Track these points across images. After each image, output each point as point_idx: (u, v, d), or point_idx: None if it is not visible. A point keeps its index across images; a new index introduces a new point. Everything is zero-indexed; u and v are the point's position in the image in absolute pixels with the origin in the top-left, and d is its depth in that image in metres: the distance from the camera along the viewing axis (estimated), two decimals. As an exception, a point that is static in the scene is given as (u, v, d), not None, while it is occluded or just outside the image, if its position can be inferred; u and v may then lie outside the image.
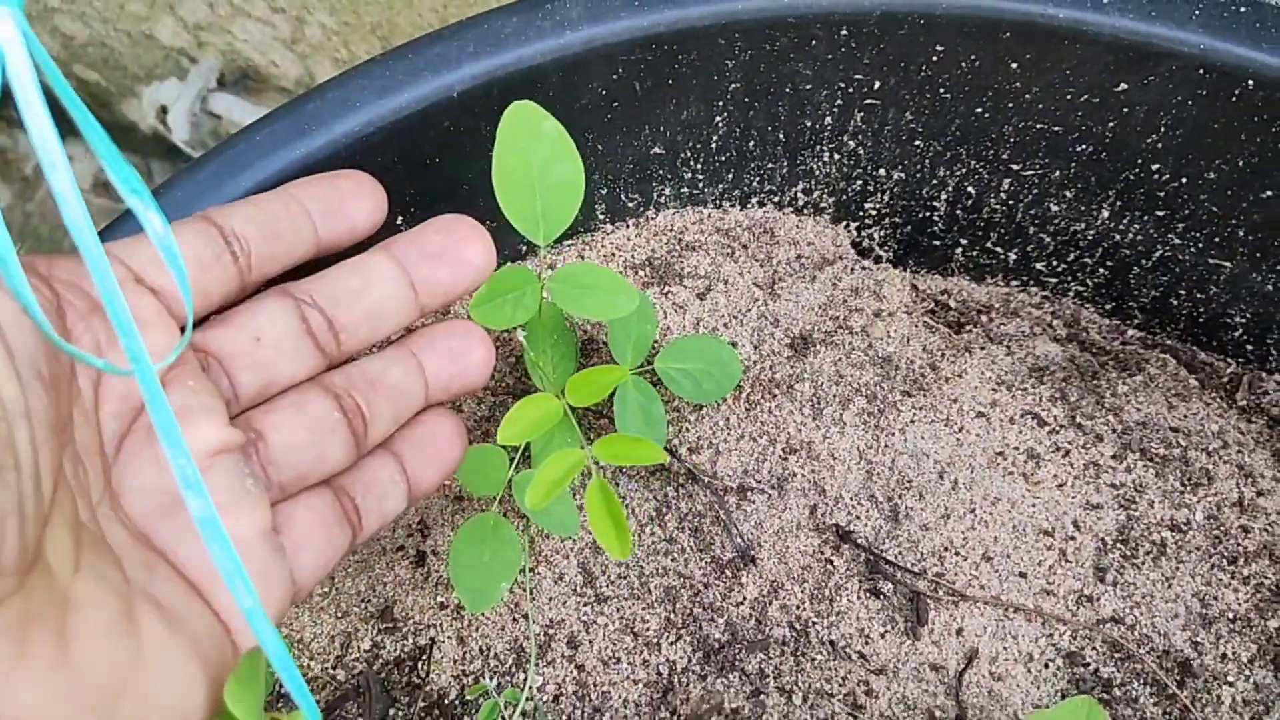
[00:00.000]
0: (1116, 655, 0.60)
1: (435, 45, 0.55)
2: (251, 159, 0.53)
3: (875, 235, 0.71)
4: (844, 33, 0.57)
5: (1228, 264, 0.63)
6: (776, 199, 0.69)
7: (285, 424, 0.44)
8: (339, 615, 0.62)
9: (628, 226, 0.69)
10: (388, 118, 0.55)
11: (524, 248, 0.66)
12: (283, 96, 1.01)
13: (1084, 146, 0.61)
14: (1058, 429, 0.65)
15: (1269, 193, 0.58)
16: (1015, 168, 0.64)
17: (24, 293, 0.30)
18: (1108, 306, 0.71)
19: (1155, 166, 0.60)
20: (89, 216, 0.32)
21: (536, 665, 0.60)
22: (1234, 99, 0.54)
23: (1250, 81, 0.53)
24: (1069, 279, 0.70)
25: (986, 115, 0.61)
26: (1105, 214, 0.64)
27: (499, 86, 0.55)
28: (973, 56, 0.57)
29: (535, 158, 0.53)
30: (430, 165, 0.58)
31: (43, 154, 0.31)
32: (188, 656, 0.35)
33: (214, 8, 0.91)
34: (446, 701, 0.60)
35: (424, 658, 0.61)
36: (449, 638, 0.61)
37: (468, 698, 0.60)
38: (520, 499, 0.56)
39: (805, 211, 0.70)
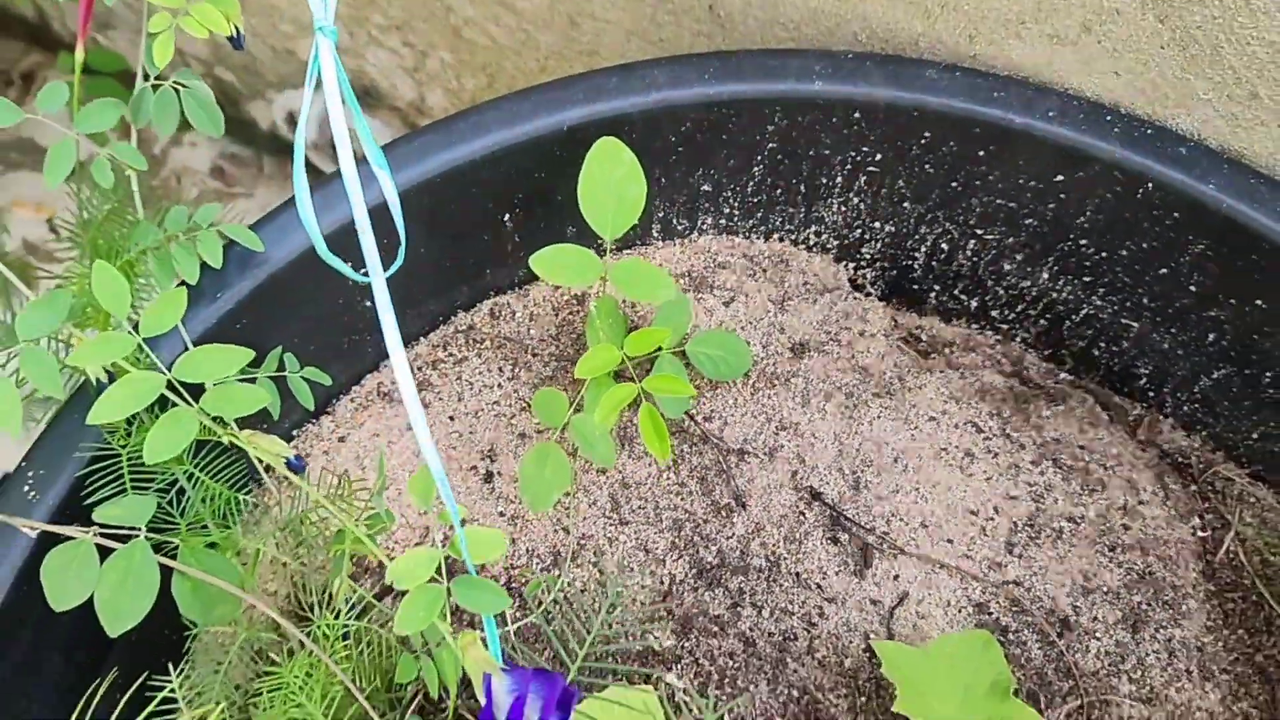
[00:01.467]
0: (1014, 609, 0.78)
1: (554, 91, 0.75)
2: (411, 159, 0.73)
3: (868, 275, 0.90)
4: (857, 115, 0.76)
5: (1135, 324, 0.82)
6: (793, 237, 0.88)
7: None
8: (421, 513, 0.80)
9: (675, 245, 0.88)
10: (513, 140, 0.75)
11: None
12: (395, 114, 1.21)
13: (1031, 220, 0.80)
14: (991, 436, 0.83)
15: (1164, 270, 0.77)
16: (979, 232, 0.83)
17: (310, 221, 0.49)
18: (1046, 352, 0.90)
19: (1083, 241, 0.79)
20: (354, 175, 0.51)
21: (568, 566, 0.78)
22: (1138, 195, 0.73)
23: (1150, 184, 0.72)
24: (1016, 326, 0.89)
25: (960, 188, 0.80)
26: (1045, 275, 0.83)
27: (596, 126, 0.75)
28: (952, 143, 0.77)
29: (612, 177, 0.73)
30: (537, 179, 0.78)
31: (339, 136, 0.50)
32: None
33: (353, 36, 1.12)
34: (503, 584, 0.78)
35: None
36: (505, 538, 0.79)
37: (522, 584, 0.78)
38: (576, 435, 0.75)
39: (814, 250, 0.89)
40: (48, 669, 0.69)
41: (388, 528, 0.69)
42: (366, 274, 0.54)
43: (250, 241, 0.69)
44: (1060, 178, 0.76)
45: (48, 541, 0.61)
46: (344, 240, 0.69)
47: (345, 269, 0.54)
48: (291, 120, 1.24)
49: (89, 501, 0.60)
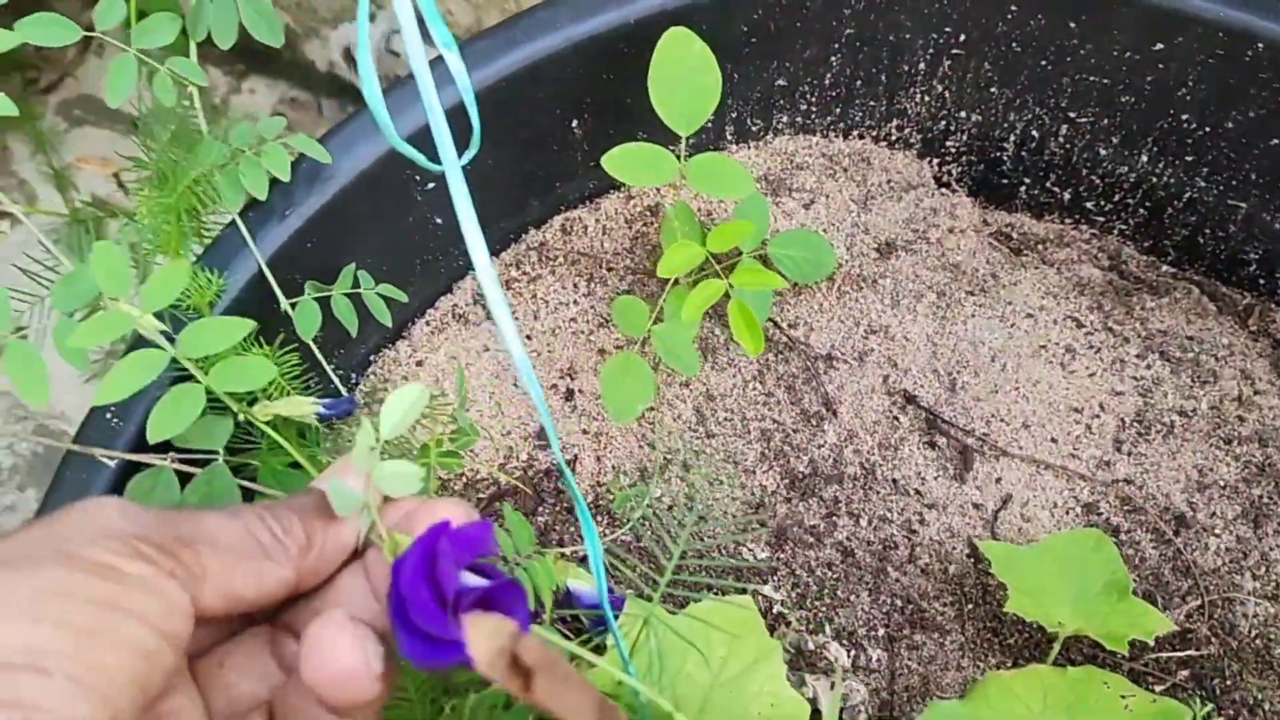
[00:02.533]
0: (1126, 508, 0.74)
1: (619, -17, 0.72)
2: (476, 61, 0.70)
3: (953, 170, 0.86)
4: (939, -9, 0.72)
5: (1243, 205, 0.77)
6: (874, 133, 0.84)
7: None
8: (504, 433, 0.79)
9: (749, 147, 0.85)
10: (579, 37, 0.71)
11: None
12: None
13: (1127, 97, 0.75)
14: (1092, 331, 0.79)
15: (1275, 140, 0.72)
16: (1072, 115, 0.78)
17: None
18: (1146, 244, 0.85)
19: (1185, 116, 0.74)
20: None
21: (655, 480, 0.76)
22: (1246, 59, 0.68)
23: (1260, 44, 0.67)
24: (1114, 218, 0.85)
25: (1050, 67, 0.75)
26: (1144, 158, 0.78)
27: (666, 18, 0.71)
28: (1040, 16, 0.72)
29: (683, 68, 0.69)
30: (605, 80, 0.75)
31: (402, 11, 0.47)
32: None
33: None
34: (585, 504, 0.76)
35: (570, 468, 0.78)
36: (589, 455, 0.77)
37: (609, 500, 0.76)
38: (658, 344, 0.72)
39: (896, 145, 0.85)
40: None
41: (473, 441, 0.67)
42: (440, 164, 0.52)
43: (318, 154, 0.67)
44: (1159, 46, 0.71)
45: (131, 470, 0.60)
46: (418, 146, 0.67)
47: (419, 157, 0.52)
48: (349, 56, 1.22)
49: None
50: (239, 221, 0.68)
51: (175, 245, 0.68)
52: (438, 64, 0.57)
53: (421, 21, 0.46)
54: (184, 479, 0.58)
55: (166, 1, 1.32)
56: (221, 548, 0.35)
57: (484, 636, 0.31)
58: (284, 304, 0.68)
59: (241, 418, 0.59)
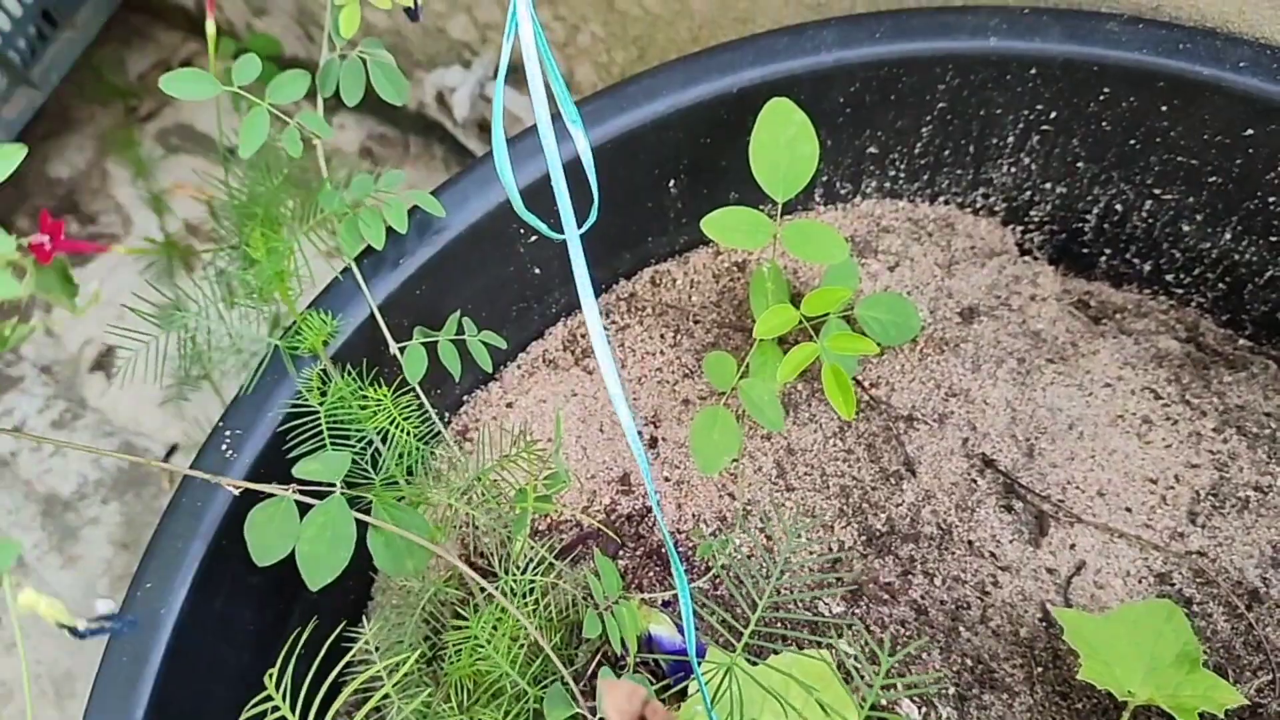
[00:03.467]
0: (1199, 580, 0.75)
1: (724, 54, 0.75)
2: (586, 123, 0.73)
3: (1035, 238, 0.88)
4: (1033, 71, 0.74)
5: (1326, 286, 0.78)
6: (959, 199, 0.87)
7: None
8: (588, 477, 0.81)
9: (838, 209, 0.87)
10: (683, 104, 0.75)
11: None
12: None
13: (1215, 178, 0.77)
14: (1170, 403, 0.81)
15: (1361, 228, 0.73)
16: (1157, 191, 0.80)
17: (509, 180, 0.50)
18: (1224, 317, 0.86)
19: (1272, 199, 0.76)
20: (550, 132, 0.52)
21: (735, 531, 0.78)
22: (1336, 149, 0.70)
23: (1350, 136, 0.69)
24: (1193, 291, 0.86)
25: (1138, 146, 0.77)
26: (1228, 236, 0.80)
27: (766, 88, 0.74)
28: (1132, 98, 0.74)
29: (783, 137, 0.72)
30: (703, 144, 0.78)
31: (535, 89, 0.51)
32: None
33: (505, 10, 1.13)
34: (663, 550, 0.79)
35: (649, 515, 0.80)
36: (671, 503, 0.80)
37: (689, 548, 0.78)
38: (744, 398, 0.75)
39: (981, 212, 0.87)
40: (239, 624, 0.72)
41: (565, 487, 0.70)
42: (558, 230, 0.55)
43: (433, 208, 0.71)
44: (1250, 132, 0.73)
45: (241, 500, 0.63)
46: (528, 201, 0.70)
47: (541, 226, 0.55)
48: (441, 100, 1.26)
49: (291, 456, 0.62)
50: (354, 268, 0.72)
51: (283, 286, 0.71)
52: (532, 132, 0.60)
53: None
54: (303, 509, 0.61)
55: (269, 44, 1.37)
56: None
57: (619, 699, 0.34)
58: (393, 347, 0.71)
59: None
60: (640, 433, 0.83)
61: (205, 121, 1.54)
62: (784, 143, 0.72)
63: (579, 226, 0.59)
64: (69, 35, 1.41)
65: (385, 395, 0.64)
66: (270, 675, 0.51)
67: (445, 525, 0.72)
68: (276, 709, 0.51)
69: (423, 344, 0.71)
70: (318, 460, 0.61)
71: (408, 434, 0.64)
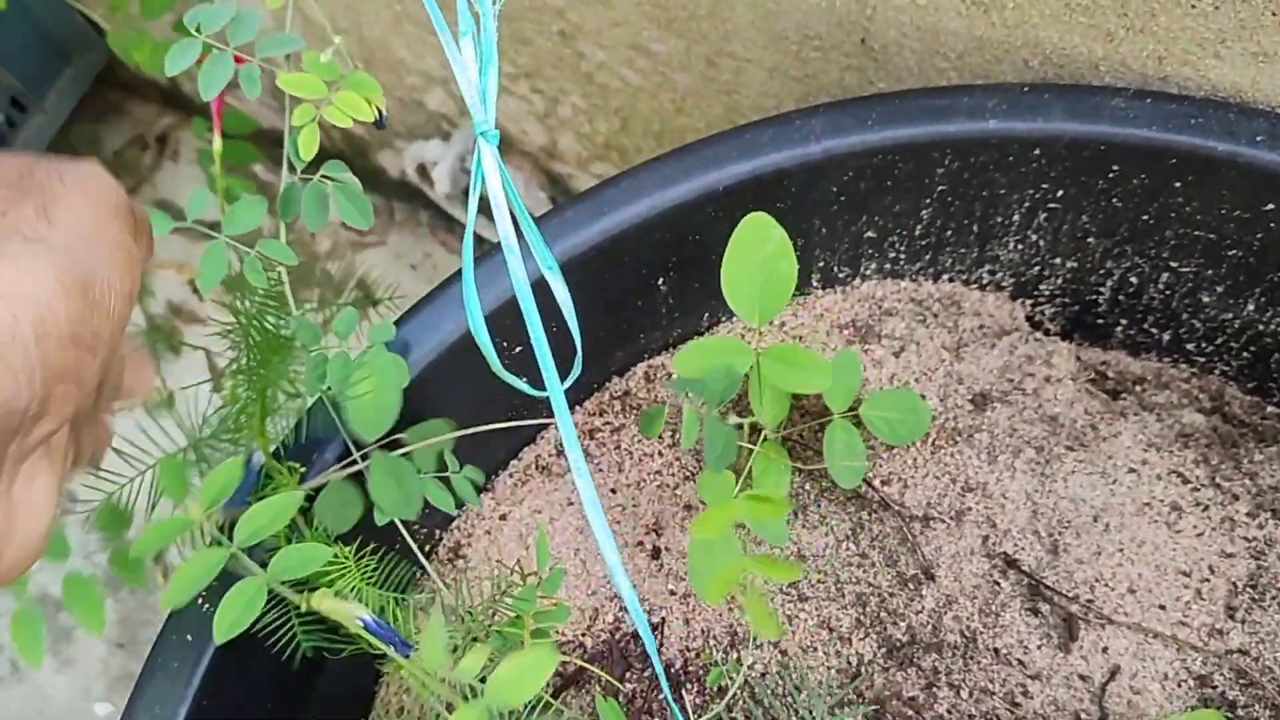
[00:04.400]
0: (1241, 681, 0.71)
1: (706, 149, 0.71)
2: (565, 231, 0.69)
3: (1046, 311, 0.84)
4: (1036, 152, 0.70)
5: (1357, 356, 0.74)
6: (964, 277, 0.82)
7: None
8: (589, 594, 0.77)
9: (836, 293, 0.83)
10: (666, 205, 0.71)
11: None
12: (527, 160, 1.18)
13: (1234, 251, 0.72)
14: (1199, 487, 0.76)
15: (1394, 300, 0.69)
16: (1174, 265, 0.76)
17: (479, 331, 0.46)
18: (1249, 385, 0.82)
19: (1297, 271, 0.71)
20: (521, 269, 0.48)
21: (746, 647, 0.74)
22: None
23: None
24: (1215, 359, 0.82)
25: (1152, 221, 0.73)
26: (1251, 307, 0.76)
27: (754, 183, 0.70)
28: (1143, 175, 0.70)
29: (760, 255, 0.67)
30: (691, 241, 0.74)
31: (504, 237, 0.47)
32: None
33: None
34: (673, 670, 0.75)
35: (655, 633, 0.76)
36: (677, 619, 0.76)
37: (699, 668, 0.74)
38: (749, 517, 0.71)
39: (988, 288, 0.83)
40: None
41: (562, 620, 0.66)
42: (539, 388, 0.51)
43: (386, 334, 0.66)
44: (1271, 206, 0.68)
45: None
46: (501, 318, 0.66)
47: (523, 386, 0.51)
48: (422, 171, 1.22)
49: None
50: (326, 401, 0.67)
51: (260, 428, 0.67)
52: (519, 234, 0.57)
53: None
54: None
55: (243, 150, 1.33)
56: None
57: None
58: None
59: (302, 607, 0.58)
60: (641, 542, 0.79)
61: (185, 197, 1.51)
62: (760, 261, 0.67)
63: (562, 379, 0.55)
64: (40, 119, 1.38)
65: (348, 554, 0.60)
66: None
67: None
68: None
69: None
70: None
71: (373, 588, 0.60)
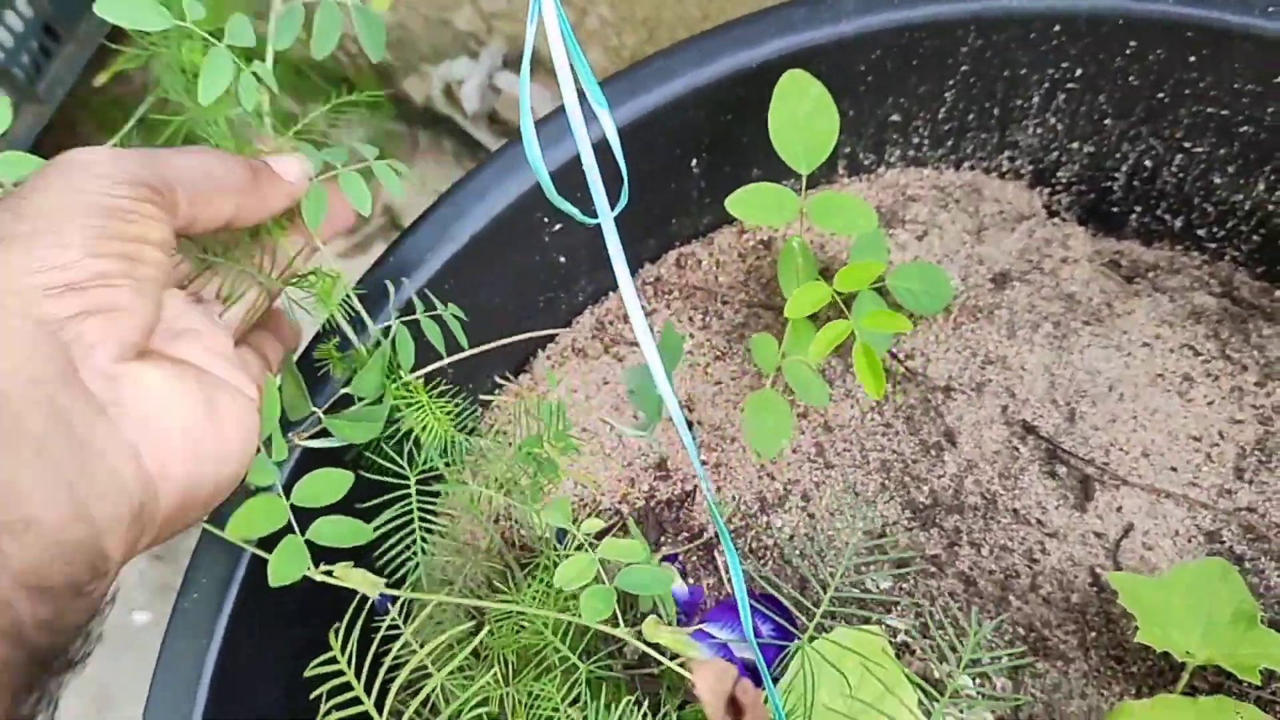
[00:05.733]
0: (1249, 536, 0.74)
1: (740, 28, 0.74)
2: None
3: (1064, 200, 0.87)
4: (1056, 28, 0.73)
5: (1364, 232, 0.77)
6: (985, 164, 0.85)
7: None
8: (625, 464, 0.81)
9: (861, 181, 0.86)
10: (701, 82, 0.74)
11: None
12: (552, 76, 1.21)
13: (1246, 128, 0.75)
14: (1210, 359, 0.79)
15: (1400, 170, 0.72)
16: (1187, 145, 0.79)
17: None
18: (1259, 270, 0.85)
19: (1306, 146, 0.74)
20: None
21: (775, 511, 0.78)
22: (1372, 91, 0.69)
23: (1386, 77, 0.68)
24: (1226, 244, 0.85)
25: (1167, 100, 0.76)
26: (1261, 186, 0.79)
27: (787, 60, 0.73)
28: (1159, 50, 0.73)
29: (800, 111, 0.71)
30: (724, 121, 0.77)
31: (561, 73, 0.50)
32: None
33: (510, 1, 1.12)
34: (705, 535, 0.78)
35: (688, 501, 0.79)
36: (710, 486, 0.79)
37: (730, 526, 0.77)
38: (790, 378, 0.74)
39: (1007, 176, 0.86)
40: (288, 628, 0.71)
41: (574, 448, 0.67)
42: (591, 214, 0.54)
43: (394, 187, 0.65)
44: (1281, 79, 0.71)
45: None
46: (540, 199, 0.69)
47: (575, 212, 0.54)
48: (449, 94, 1.25)
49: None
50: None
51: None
52: (555, 117, 0.59)
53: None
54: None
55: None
56: (188, 185, 0.48)
57: (710, 679, 0.34)
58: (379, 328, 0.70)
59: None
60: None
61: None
62: (801, 118, 0.71)
63: (610, 208, 0.58)
64: (71, 49, 1.41)
65: (418, 385, 0.63)
66: (335, 631, 0.51)
67: (481, 514, 0.72)
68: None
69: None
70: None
71: (442, 423, 0.63)
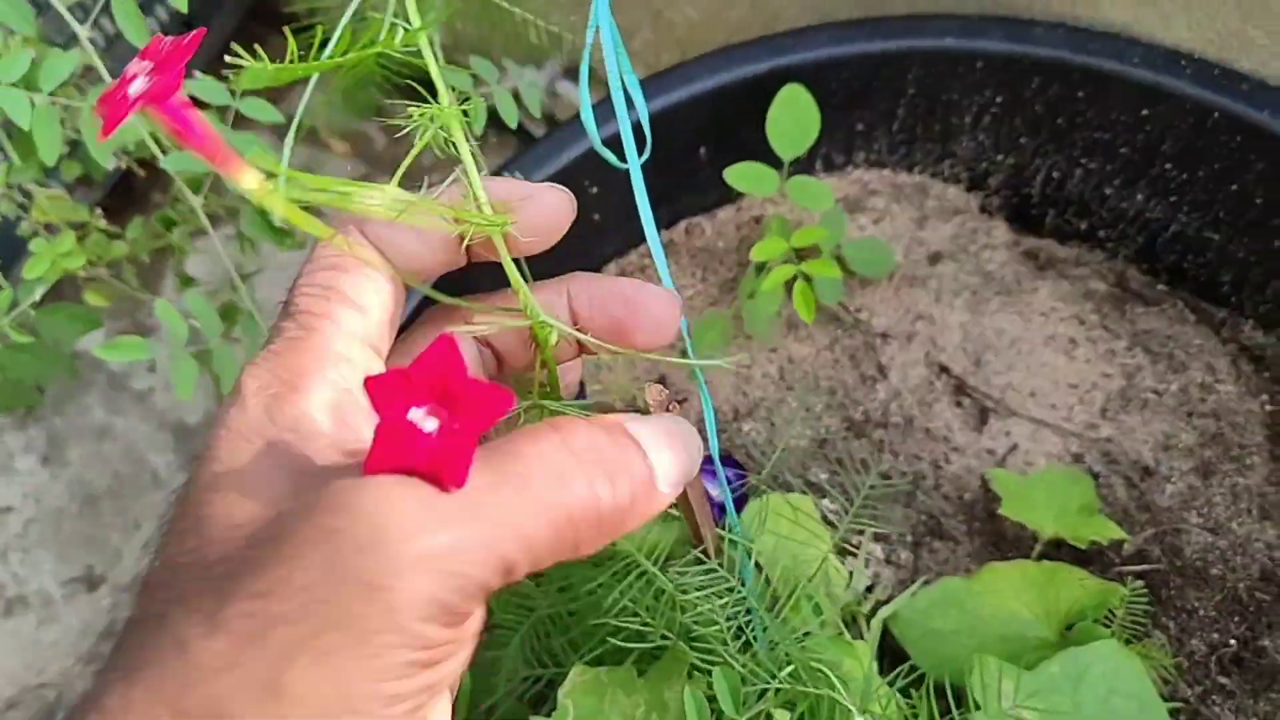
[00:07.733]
0: (1105, 460, 0.97)
1: (743, 50, 0.98)
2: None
3: (994, 201, 1.10)
4: (980, 64, 0.97)
5: (1215, 236, 1.00)
6: (931, 170, 1.09)
7: None
8: (633, 379, 1.05)
9: (834, 176, 1.10)
10: (711, 87, 0.98)
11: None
12: (601, 87, 1.46)
13: (1125, 149, 0.99)
14: (1092, 328, 1.03)
15: (1234, 186, 0.95)
16: (1084, 161, 1.02)
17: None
18: (1144, 267, 1.08)
19: (1168, 165, 0.98)
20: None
21: (746, 420, 1.01)
22: (1207, 125, 0.92)
23: (1216, 114, 0.91)
24: (1120, 244, 1.08)
25: (1065, 125, 1.00)
26: (1140, 196, 1.02)
27: (780, 74, 0.97)
28: (1055, 86, 0.96)
29: (792, 113, 0.95)
30: (728, 119, 1.01)
31: (615, 91, 0.74)
32: None
33: (574, 20, 1.37)
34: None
35: (683, 404, 1.03)
36: (697, 400, 1.03)
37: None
38: (746, 313, 0.98)
39: (949, 180, 1.10)
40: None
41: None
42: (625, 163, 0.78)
43: None
44: (1145, 112, 0.95)
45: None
46: (586, 162, 0.94)
47: (612, 157, 0.78)
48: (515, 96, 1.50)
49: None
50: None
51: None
52: (602, 104, 0.84)
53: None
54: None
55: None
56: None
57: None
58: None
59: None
60: (674, 344, 1.06)
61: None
62: (793, 116, 0.96)
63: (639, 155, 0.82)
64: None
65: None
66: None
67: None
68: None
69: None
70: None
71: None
